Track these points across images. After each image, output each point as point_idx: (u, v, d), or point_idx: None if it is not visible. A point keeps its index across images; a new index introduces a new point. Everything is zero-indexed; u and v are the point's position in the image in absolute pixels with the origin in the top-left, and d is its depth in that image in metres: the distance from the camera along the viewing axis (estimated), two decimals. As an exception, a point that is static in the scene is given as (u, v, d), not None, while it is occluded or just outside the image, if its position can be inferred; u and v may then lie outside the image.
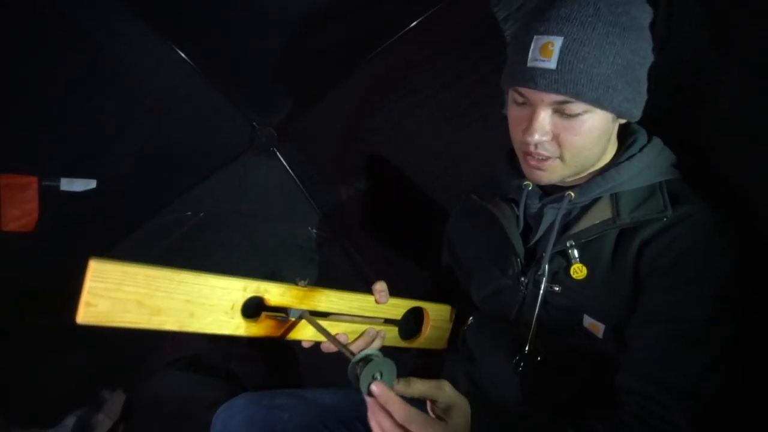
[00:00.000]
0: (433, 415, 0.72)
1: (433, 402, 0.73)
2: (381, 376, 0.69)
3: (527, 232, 0.97)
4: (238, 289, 0.83)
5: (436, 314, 1.08)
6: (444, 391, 0.73)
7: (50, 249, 1.67)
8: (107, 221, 1.76)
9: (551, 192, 0.95)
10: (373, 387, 0.69)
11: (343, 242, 1.85)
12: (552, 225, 0.92)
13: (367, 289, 0.97)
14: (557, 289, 0.91)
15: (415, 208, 1.64)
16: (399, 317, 1.01)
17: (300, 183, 1.91)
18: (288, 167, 1.90)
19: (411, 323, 1.09)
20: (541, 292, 0.91)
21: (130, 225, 1.82)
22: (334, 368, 0.93)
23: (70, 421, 1.91)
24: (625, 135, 0.93)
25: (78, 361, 1.85)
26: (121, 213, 1.79)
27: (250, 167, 1.90)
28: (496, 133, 1.03)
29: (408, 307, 1.02)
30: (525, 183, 0.95)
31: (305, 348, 0.93)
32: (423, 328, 1.08)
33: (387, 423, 0.68)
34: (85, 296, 0.70)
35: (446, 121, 1.51)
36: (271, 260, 1.83)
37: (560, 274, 0.91)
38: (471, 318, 1.08)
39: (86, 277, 0.70)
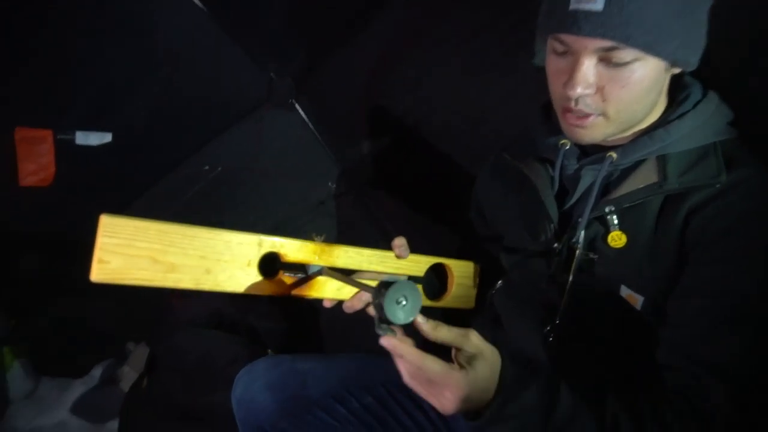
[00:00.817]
0: (455, 364, 0.70)
1: (458, 350, 0.71)
2: (406, 300, 0.67)
3: (562, 196, 0.91)
4: (253, 244, 0.80)
5: (460, 271, 1.05)
6: (470, 339, 0.70)
7: (68, 204, 1.67)
8: (124, 176, 1.76)
9: (590, 152, 0.88)
10: (383, 341, 0.67)
11: (363, 199, 1.82)
12: (590, 188, 0.86)
13: (388, 247, 0.94)
14: (593, 257, 0.85)
15: (439, 164, 1.58)
16: (422, 274, 0.99)
17: (319, 137, 1.88)
18: (307, 120, 1.86)
19: (435, 283, 1.06)
20: (576, 260, 0.86)
21: (146, 180, 1.82)
22: (357, 331, 0.92)
23: (98, 372, 1.97)
24: (676, 88, 0.85)
25: (103, 314, 1.90)
26: (138, 168, 1.78)
27: (267, 120, 1.87)
28: (531, 85, 0.97)
29: (430, 263, 0.99)
30: (562, 142, 0.89)
31: (327, 309, 0.91)
32: (448, 285, 1.05)
33: (404, 372, 0.67)
34: (98, 253, 0.68)
35: (475, 73, 1.44)
36: (290, 217, 1.82)
37: (597, 241, 0.85)
38: (499, 282, 1.05)
39: (98, 233, 0.68)
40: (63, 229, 1.67)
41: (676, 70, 0.80)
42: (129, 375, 1.83)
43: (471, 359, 0.70)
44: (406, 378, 0.68)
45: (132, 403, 1.59)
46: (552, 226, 0.90)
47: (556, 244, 0.90)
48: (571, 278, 0.86)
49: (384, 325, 0.69)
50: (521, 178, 0.96)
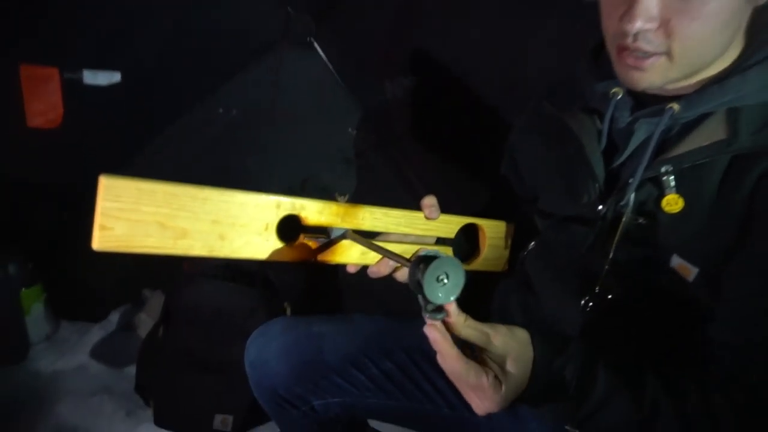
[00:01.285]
0: (486, 366, 0.65)
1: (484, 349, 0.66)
2: (447, 278, 0.60)
3: (610, 152, 0.81)
4: (270, 207, 0.73)
5: (493, 231, 0.97)
6: (495, 343, 0.64)
7: (78, 147, 1.61)
8: (134, 118, 1.68)
9: (647, 103, 0.77)
10: (426, 330, 0.61)
11: (388, 151, 1.72)
12: (644, 144, 0.75)
13: (414, 202, 0.86)
14: (643, 222, 0.76)
15: (471, 113, 1.47)
16: (452, 236, 0.92)
17: (340, 78, 1.76)
18: (327, 60, 1.74)
19: (464, 244, 0.99)
20: (622, 225, 0.77)
21: (159, 122, 1.74)
22: (378, 292, 0.85)
23: (115, 317, 1.98)
24: (756, 27, 0.72)
25: (120, 259, 1.87)
26: (149, 109, 1.70)
27: (285, 60, 1.76)
28: (576, 26, 0.85)
29: (461, 224, 0.92)
30: (613, 90, 0.78)
31: (351, 272, 0.85)
32: (480, 247, 0.98)
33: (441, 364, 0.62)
34: (99, 219, 0.62)
35: (514, 13, 1.30)
36: (308, 164, 1.73)
37: (649, 205, 0.76)
38: (532, 244, 0.97)
39: (98, 196, 0.62)
40: (74, 173, 1.61)
41: (761, 2, 0.67)
42: (146, 322, 1.82)
43: (500, 360, 0.65)
44: (444, 368, 0.63)
45: (149, 352, 1.58)
46: (597, 186, 0.81)
47: (600, 207, 0.80)
48: (615, 245, 0.78)
49: (432, 310, 0.63)
50: (563, 130, 0.85)
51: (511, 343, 0.65)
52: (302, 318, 1.02)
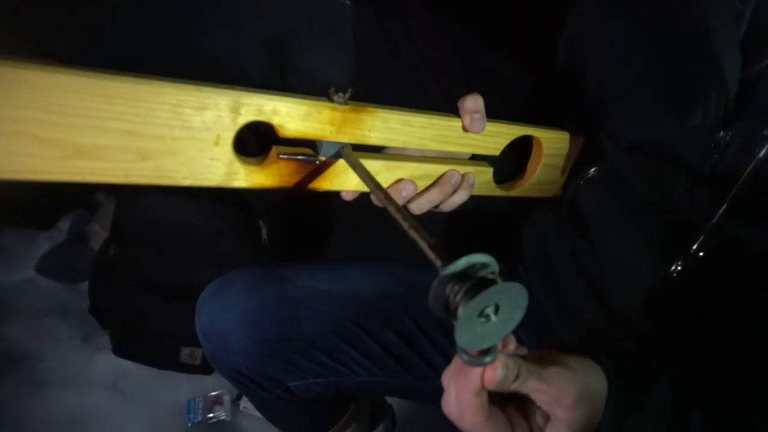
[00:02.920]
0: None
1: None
2: (496, 313, 0.36)
3: (750, 48, 0.54)
4: (223, 108, 0.47)
5: (552, 146, 0.70)
6: (544, 397, 0.42)
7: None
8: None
9: None
10: (444, 379, 0.39)
11: (391, 23, 1.35)
12: None
13: (432, 103, 0.59)
14: None
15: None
16: (497, 153, 0.65)
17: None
18: None
19: (507, 159, 0.73)
20: (754, 163, 0.52)
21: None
22: (385, 226, 0.60)
23: (65, 225, 1.74)
24: None
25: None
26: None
27: None
28: None
29: (513, 137, 0.65)
30: None
31: (347, 200, 0.60)
32: (529, 166, 0.72)
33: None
34: None
35: None
36: (288, 47, 1.38)
37: None
38: (593, 169, 0.70)
39: None
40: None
41: None
42: (99, 234, 1.58)
43: (549, 411, 0.43)
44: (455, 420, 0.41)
45: (100, 273, 1.36)
46: (724, 100, 0.54)
47: (721, 133, 0.54)
48: (739, 186, 0.53)
49: (467, 351, 0.39)
50: (669, 3, 0.57)
51: (567, 392, 0.42)
52: (273, 270, 0.76)
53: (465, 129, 0.60)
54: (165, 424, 1.33)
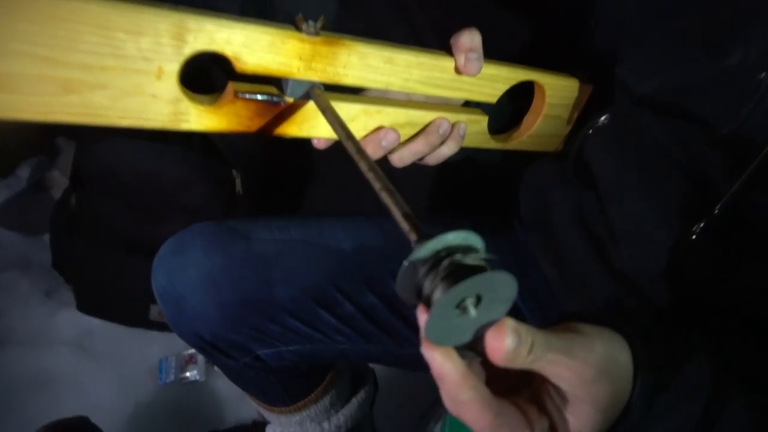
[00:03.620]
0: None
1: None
2: (476, 305, 0.30)
3: None
4: (164, 34, 0.39)
5: (557, 94, 0.62)
6: (565, 376, 0.35)
7: None
8: None
9: None
10: (429, 352, 0.32)
11: None
12: None
13: (421, 40, 0.53)
14: None
15: None
16: (493, 100, 0.58)
17: None
18: None
19: (505, 108, 0.66)
20: None
21: None
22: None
23: (24, 172, 1.65)
24: None
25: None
26: None
27: None
28: None
29: (513, 82, 0.58)
30: None
31: (319, 149, 0.53)
32: (529, 116, 0.64)
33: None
34: None
35: None
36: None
37: None
38: (603, 117, 0.62)
39: None
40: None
41: None
42: (60, 182, 1.49)
43: (565, 397, 0.36)
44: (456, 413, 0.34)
45: (63, 221, 1.27)
46: (766, 34, 0.47)
47: (763, 74, 0.47)
48: None
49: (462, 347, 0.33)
50: None
51: (591, 365, 0.35)
52: (240, 224, 0.68)
53: (458, 70, 0.52)
54: (135, 385, 1.28)
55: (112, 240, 1.20)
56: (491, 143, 0.63)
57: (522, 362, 0.33)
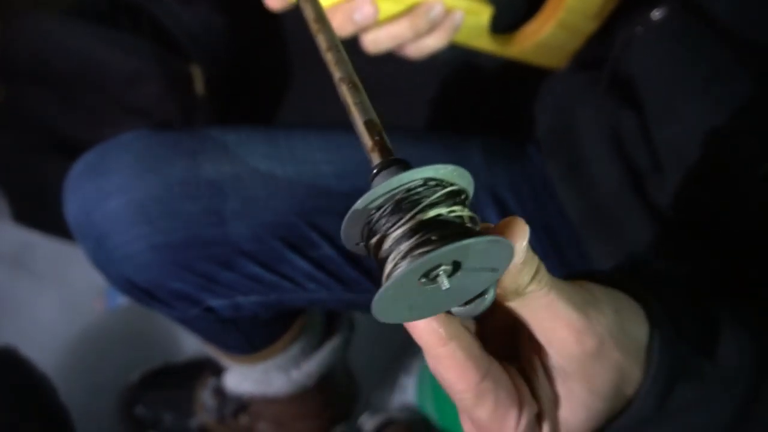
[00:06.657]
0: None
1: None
2: (451, 273, 0.23)
3: None
4: None
5: None
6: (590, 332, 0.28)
7: None
8: None
9: None
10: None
11: None
12: None
13: None
14: None
15: None
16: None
17: None
18: None
19: (515, 4, 0.57)
20: None
21: None
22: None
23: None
24: None
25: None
26: None
27: None
28: None
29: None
30: None
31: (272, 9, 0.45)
32: (539, 18, 0.54)
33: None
34: None
35: None
36: None
37: None
38: (658, 12, 0.52)
39: None
40: None
41: None
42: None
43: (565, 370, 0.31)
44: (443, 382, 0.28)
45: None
46: None
47: None
48: None
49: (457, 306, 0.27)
50: None
51: (591, 331, 0.29)
52: (184, 136, 0.54)
53: None
54: (79, 307, 1.22)
55: (48, 140, 1.07)
56: (486, 43, 0.54)
57: (519, 290, 0.27)
